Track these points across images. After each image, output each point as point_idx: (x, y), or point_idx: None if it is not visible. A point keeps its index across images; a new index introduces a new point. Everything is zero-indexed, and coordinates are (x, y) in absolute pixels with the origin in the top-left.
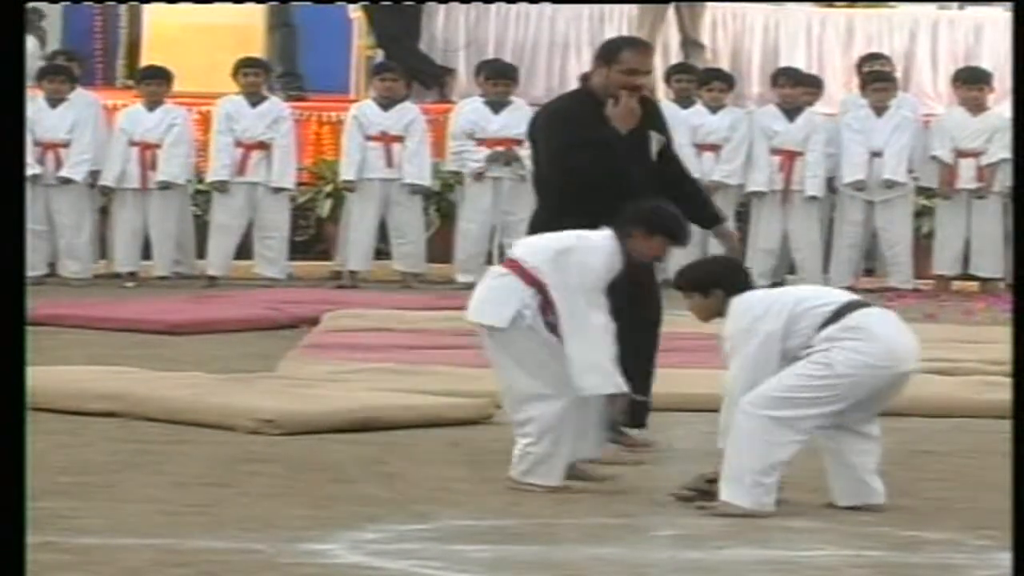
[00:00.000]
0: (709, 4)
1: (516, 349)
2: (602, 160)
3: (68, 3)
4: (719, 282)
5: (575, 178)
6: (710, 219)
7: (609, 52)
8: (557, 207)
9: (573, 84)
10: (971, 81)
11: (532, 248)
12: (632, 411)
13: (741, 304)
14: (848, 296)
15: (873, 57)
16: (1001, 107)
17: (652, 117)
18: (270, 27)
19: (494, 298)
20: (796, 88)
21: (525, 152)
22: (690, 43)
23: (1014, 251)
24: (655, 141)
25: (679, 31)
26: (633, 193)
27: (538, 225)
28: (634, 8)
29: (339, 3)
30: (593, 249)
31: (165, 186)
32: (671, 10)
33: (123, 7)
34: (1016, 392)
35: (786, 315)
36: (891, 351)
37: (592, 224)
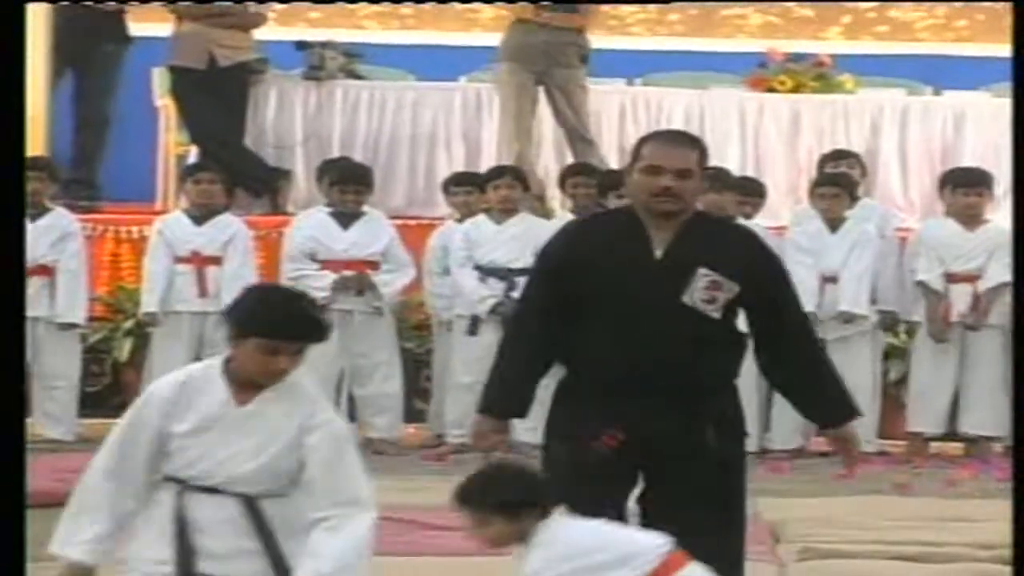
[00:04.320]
0: (603, 88)
1: None
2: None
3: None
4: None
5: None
6: (824, 414)
7: (634, 150)
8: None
9: (440, 189)
10: (965, 185)
11: None
12: None
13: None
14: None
15: (838, 155)
16: (997, 216)
17: (711, 247)
18: (57, 119)
19: None
20: (724, 194)
21: (382, 277)
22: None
23: (1013, 297)
24: (703, 280)
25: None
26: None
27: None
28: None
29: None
30: None
31: None
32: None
33: None
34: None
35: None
36: None
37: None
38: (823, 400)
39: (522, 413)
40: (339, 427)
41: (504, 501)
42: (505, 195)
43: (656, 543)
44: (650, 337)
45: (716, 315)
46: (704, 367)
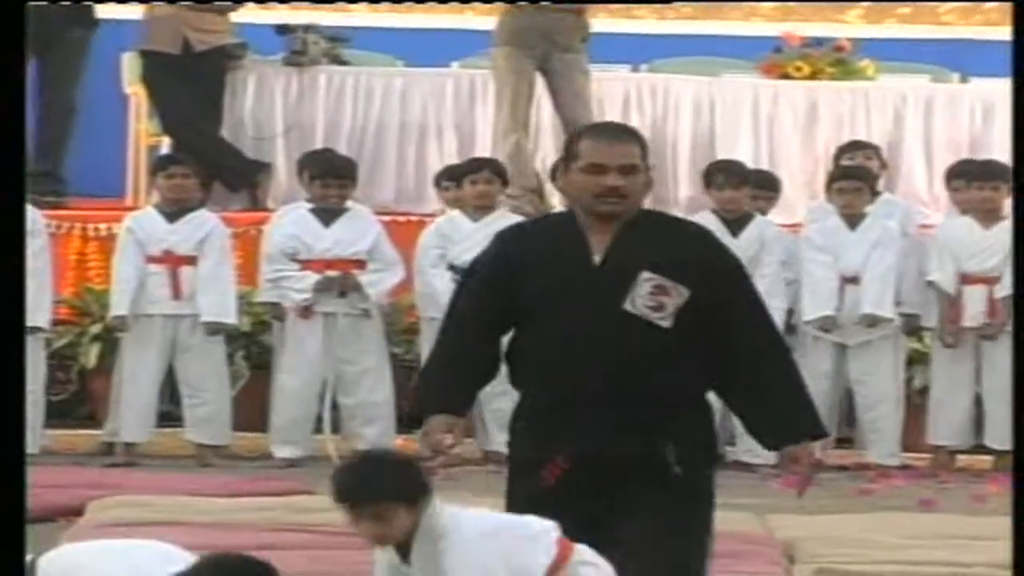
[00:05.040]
0: (606, 75)
1: None
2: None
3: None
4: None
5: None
6: (782, 435)
7: (567, 145)
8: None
9: (431, 183)
10: (981, 178)
11: None
12: None
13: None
14: None
15: (855, 147)
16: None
17: (656, 248)
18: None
19: None
20: (740, 190)
21: (368, 277)
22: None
23: (1013, 286)
24: (646, 285)
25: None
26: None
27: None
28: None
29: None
30: None
31: None
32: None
33: None
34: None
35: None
36: None
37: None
38: (784, 416)
39: (463, 406)
40: None
41: (408, 489)
42: (483, 190)
43: (548, 524)
44: (593, 351)
45: (666, 324)
46: (658, 382)
